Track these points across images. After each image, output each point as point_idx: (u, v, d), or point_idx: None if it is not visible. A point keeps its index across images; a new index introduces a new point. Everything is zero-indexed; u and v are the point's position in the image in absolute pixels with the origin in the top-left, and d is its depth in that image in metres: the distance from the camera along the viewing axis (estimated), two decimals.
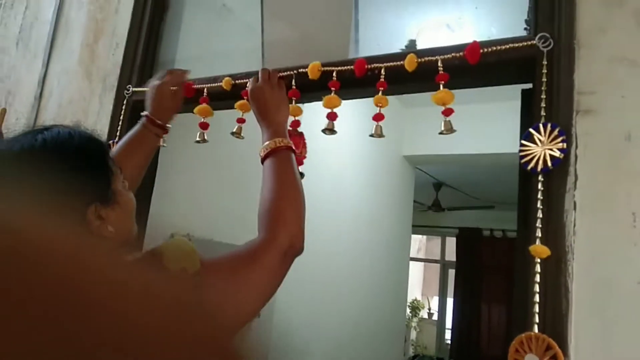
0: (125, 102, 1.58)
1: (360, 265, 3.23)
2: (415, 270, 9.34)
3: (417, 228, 7.70)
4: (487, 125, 3.40)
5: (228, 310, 0.76)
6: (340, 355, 2.97)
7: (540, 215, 0.93)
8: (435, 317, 8.13)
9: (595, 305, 0.87)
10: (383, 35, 1.29)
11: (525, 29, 1.06)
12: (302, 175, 1.23)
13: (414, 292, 9.05)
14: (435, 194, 5.82)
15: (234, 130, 1.27)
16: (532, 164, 0.95)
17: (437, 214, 6.37)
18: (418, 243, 9.47)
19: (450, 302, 7.44)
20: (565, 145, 0.92)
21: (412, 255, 8.96)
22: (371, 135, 1.15)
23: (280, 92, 1.15)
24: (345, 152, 3.08)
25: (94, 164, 0.79)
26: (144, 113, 1.24)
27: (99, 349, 0.17)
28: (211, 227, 2.04)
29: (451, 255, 7.58)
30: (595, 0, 0.97)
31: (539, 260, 0.91)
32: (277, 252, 0.84)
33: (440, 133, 1.07)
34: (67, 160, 0.76)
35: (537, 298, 0.90)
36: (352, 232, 3.13)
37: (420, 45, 1.22)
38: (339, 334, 2.95)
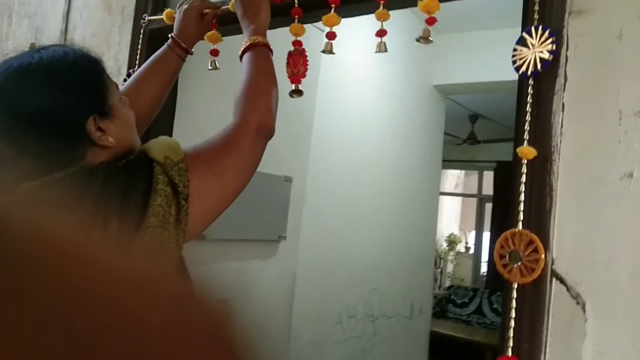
0: (142, 31, 1.64)
1: (388, 198, 3.28)
2: (453, 206, 9.34)
3: (453, 163, 7.64)
4: None
5: (213, 192, 0.84)
6: (369, 279, 3.09)
7: (529, 118, 0.94)
8: (472, 251, 8.21)
9: (579, 201, 0.90)
10: None
11: None
12: (300, 92, 1.27)
13: (452, 226, 9.10)
14: (471, 126, 5.72)
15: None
16: (523, 68, 0.96)
17: (474, 147, 6.28)
18: (456, 179, 9.40)
19: (486, 236, 7.46)
20: (554, 46, 0.92)
21: (449, 190, 8.96)
22: (376, 52, 1.16)
23: None
24: (372, 80, 3.06)
25: (89, 79, 0.85)
26: (171, 34, 1.29)
27: (97, 340, 0.17)
28: None
29: (488, 189, 7.52)
30: None
31: (525, 161, 0.94)
32: (249, 133, 0.91)
33: (417, 40, 1.08)
34: (63, 75, 0.82)
35: (522, 197, 0.94)
36: (379, 164, 3.16)
37: None
38: (369, 260, 3.06)
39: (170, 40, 1.27)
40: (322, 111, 2.53)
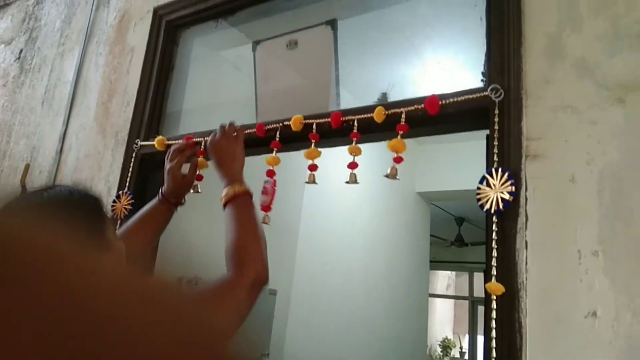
0: (134, 155, 1.72)
1: (378, 303, 3.25)
2: (445, 308, 9.16)
3: (443, 264, 7.63)
4: None
5: None
6: None
7: (495, 254, 0.99)
8: (466, 357, 7.92)
9: (547, 339, 0.92)
10: (360, 89, 1.40)
11: (481, 80, 1.15)
12: (265, 220, 1.32)
13: (445, 330, 8.86)
14: (458, 229, 5.80)
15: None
16: (487, 206, 1.02)
17: (462, 249, 6.32)
18: (447, 279, 9.32)
19: (480, 339, 7.26)
20: (513, 188, 0.99)
21: (441, 292, 8.83)
22: (347, 182, 1.24)
23: (236, 142, 1.24)
24: (359, 191, 3.15)
25: (90, 216, 0.91)
26: (161, 190, 1.34)
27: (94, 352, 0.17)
28: (220, 270, 2.13)
29: (480, 291, 7.44)
30: (540, 54, 1.06)
31: (494, 297, 0.97)
32: (245, 286, 0.96)
33: (385, 176, 1.15)
34: (69, 213, 0.89)
35: (493, 333, 0.96)
36: (368, 270, 3.17)
37: (392, 98, 1.31)
38: None
39: (160, 195, 1.33)
40: (307, 222, 2.58)
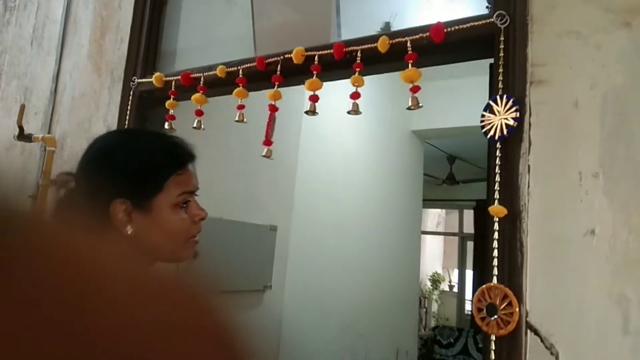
0: (131, 93, 1.71)
1: (372, 239, 3.34)
2: (435, 244, 9.41)
3: (434, 202, 7.75)
4: None
5: None
6: (355, 325, 3.10)
7: (498, 179, 1.02)
8: (455, 290, 8.23)
9: (548, 257, 0.97)
10: (362, 19, 1.38)
11: (487, 7, 1.14)
12: (267, 153, 1.33)
13: (435, 265, 9.14)
14: (450, 167, 5.87)
15: (237, 117, 1.39)
16: (491, 133, 1.04)
17: (453, 187, 6.41)
18: (437, 217, 9.52)
19: (469, 273, 7.52)
20: (518, 114, 1.01)
21: (431, 229, 9.04)
22: (348, 112, 1.25)
23: None
24: (353, 128, 3.16)
25: (154, 174, 0.89)
26: None
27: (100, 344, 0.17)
28: (221, 207, 2.17)
29: (469, 227, 7.63)
30: None
31: (497, 219, 1.01)
32: None
33: (408, 108, 1.16)
34: (137, 162, 0.90)
35: (495, 253, 1.00)
36: (362, 208, 3.23)
37: (394, 27, 1.30)
38: (354, 305, 3.08)
39: None
40: (305, 160, 2.61)
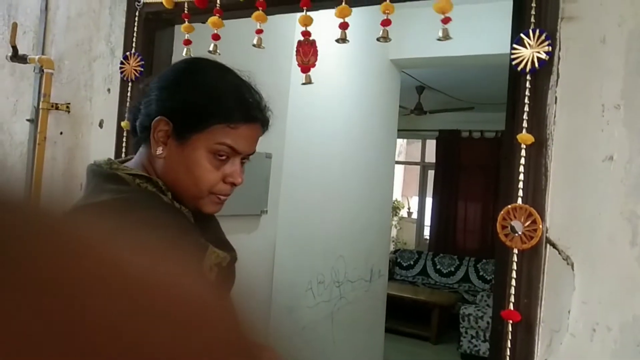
0: (137, 14, 1.66)
1: (352, 167, 3.44)
2: (396, 173, 9.71)
3: (399, 132, 7.92)
4: (472, 26, 3.48)
5: None
6: (337, 247, 3.27)
7: (527, 109, 1.11)
8: (414, 216, 8.62)
9: (568, 180, 1.08)
10: None
11: None
12: (310, 81, 1.37)
13: (394, 193, 9.48)
14: (418, 97, 5.97)
15: (254, 42, 1.39)
16: (521, 65, 1.11)
17: (418, 117, 6.55)
18: (399, 147, 9.75)
19: (429, 201, 7.87)
20: (550, 48, 1.08)
21: None
22: (378, 39, 1.28)
23: None
24: (338, 57, 3.16)
25: (203, 113, 0.87)
26: None
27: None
28: None
29: (431, 157, 7.90)
30: None
31: (524, 146, 1.10)
32: None
33: (439, 39, 1.21)
34: (197, 96, 0.89)
35: (521, 177, 1.11)
36: (345, 136, 3.31)
37: None
38: (336, 229, 3.23)
39: None
40: (295, 89, 2.62)
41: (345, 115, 3.29)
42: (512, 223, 1.09)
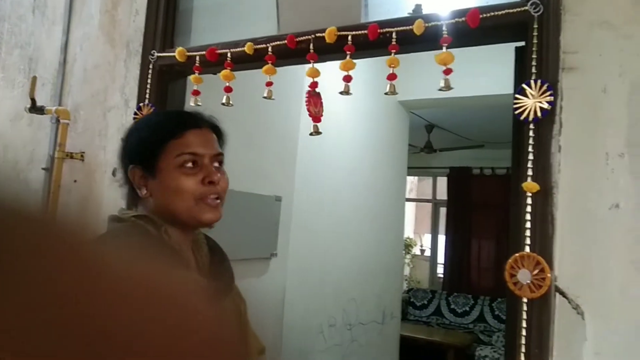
0: (151, 66, 1.72)
1: (363, 207, 3.45)
2: (407, 210, 9.66)
3: (410, 170, 7.94)
4: (478, 68, 3.53)
5: None
6: (348, 290, 3.24)
7: (531, 157, 1.12)
8: (427, 254, 8.53)
9: (575, 228, 1.08)
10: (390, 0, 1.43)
11: None
12: (319, 132, 1.40)
13: (406, 230, 9.41)
14: (427, 136, 6.01)
15: (265, 94, 1.43)
16: (524, 115, 1.13)
17: (429, 155, 6.58)
18: (410, 184, 9.75)
19: (441, 238, 7.80)
20: (552, 98, 1.10)
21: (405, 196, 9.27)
22: (386, 94, 1.31)
23: None
24: (347, 100, 3.21)
25: (153, 141, 1.00)
26: None
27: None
28: (230, 178, 2.21)
29: (442, 194, 7.87)
30: None
31: (529, 194, 1.11)
32: None
33: (440, 89, 1.24)
34: (144, 132, 1.03)
35: (528, 225, 1.11)
36: (355, 178, 3.33)
37: (425, 10, 1.36)
38: (347, 271, 3.21)
39: None
40: (304, 132, 2.66)
41: (354, 156, 3.33)
42: (519, 274, 1.09)
